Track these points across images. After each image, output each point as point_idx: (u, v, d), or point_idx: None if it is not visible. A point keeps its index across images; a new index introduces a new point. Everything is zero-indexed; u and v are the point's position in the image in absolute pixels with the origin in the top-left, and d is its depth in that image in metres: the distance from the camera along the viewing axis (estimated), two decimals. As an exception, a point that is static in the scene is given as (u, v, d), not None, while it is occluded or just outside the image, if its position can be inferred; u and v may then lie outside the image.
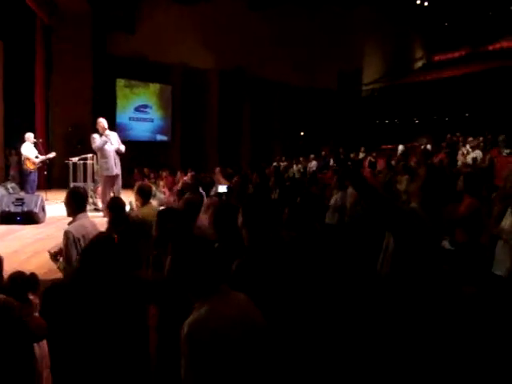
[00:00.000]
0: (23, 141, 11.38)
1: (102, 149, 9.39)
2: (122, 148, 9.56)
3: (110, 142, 9.38)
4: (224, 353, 2.08)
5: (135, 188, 5.89)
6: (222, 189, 6.82)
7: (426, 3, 28.03)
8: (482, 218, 4.99)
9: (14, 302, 2.99)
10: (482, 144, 12.83)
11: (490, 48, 28.50)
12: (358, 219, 4.72)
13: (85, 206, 4.62)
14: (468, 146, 14.06)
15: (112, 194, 9.20)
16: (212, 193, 7.34)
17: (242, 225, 2.96)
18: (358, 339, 3.15)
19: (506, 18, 27.18)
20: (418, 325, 2.87)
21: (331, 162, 18.17)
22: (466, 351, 3.09)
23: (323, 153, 20.21)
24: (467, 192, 5.45)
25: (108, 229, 4.86)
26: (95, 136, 9.43)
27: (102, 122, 9.48)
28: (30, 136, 11.44)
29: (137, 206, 5.78)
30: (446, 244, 4.57)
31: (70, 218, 4.43)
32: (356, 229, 4.78)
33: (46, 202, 9.98)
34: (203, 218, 4.53)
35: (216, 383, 2.07)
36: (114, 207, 5.22)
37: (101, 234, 3.23)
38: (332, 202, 6.99)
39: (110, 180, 9.54)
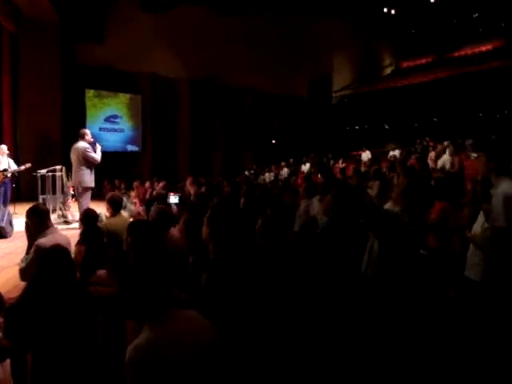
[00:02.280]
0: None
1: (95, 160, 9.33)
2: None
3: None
4: (172, 378, 1.97)
5: (106, 198, 5.84)
6: (174, 200, 6.67)
7: (392, 11, 28.43)
8: (453, 221, 5.05)
9: None
10: (450, 149, 12.96)
11: (456, 54, 29.07)
12: (326, 228, 4.69)
13: (49, 221, 4.52)
14: (436, 151, 14.23)
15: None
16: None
17: (207, 237, 2.88)
18: (342, 345, 3.13)
19: (469, 25, 27.81)
20: (407, 324, 2.89)
21: (305, 168, 18.25)
22: (449, 351, 3.10)
23: (291, 160, 20.25)
24: (438, 197, 5.52)
25: (79, 241, 4.78)
26: (89, 146, 9.36)
27: (89, 132, 9.47)
28: (2, 147, 11.18)
29: (106, 216, 5.70)
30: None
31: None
32: (324, 238, 4.76)
33: (13, 216, 9.76)
34: (174, 230, 4.47)
35: None
36: (87, 219, 5.13)
37: (55, 245, 3.12)
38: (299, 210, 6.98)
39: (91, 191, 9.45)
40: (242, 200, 6.71)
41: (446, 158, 12.23)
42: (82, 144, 9.34)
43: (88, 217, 5.18)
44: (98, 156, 9.37)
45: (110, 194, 6.17)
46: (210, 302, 2.53)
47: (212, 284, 2.68)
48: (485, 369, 2.95)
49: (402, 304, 3.04)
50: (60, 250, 2.98)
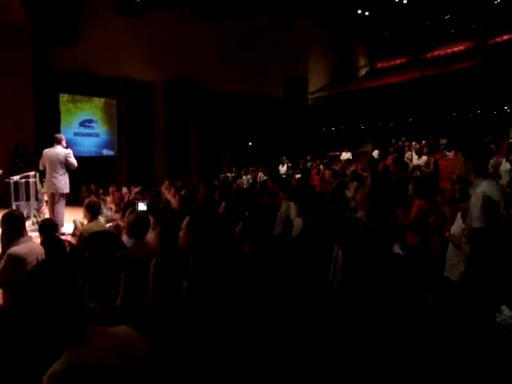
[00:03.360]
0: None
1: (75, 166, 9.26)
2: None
3: None
4: None
5: (84, 204, 5.76)
6: (142, 207, 6.52)
7: (366, 13, 28.65)
8: (431, 220, 5.08)
9: None
10: (425, 148, 13.09)
11: (429, 55, 29.41)
12: (302, 234, 4.66)
13: (24, 229, 4.40)
14: (413, 151, 14.33)
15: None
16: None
17: (186, 244, 2.80)
18: (315, 353, 3.08)
19: (441, 26, 28.16)
20: (375, 336, 2.84)
21: (282, 170, 18.27)
22: (422, 357, 3.07)
23: (265, 161, 20.29)
24: (416, 195, 5.56)
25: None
26: (70, 151, 9.29)
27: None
28: None
29: (81, 223, 5.60)
30: (396, 249, 4.59)
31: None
32: (302, 241, 4.74)
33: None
34: (150, 235, 4.40)
35: None
36: (46, 229, 4.97)
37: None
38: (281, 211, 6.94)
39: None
40: (223, 204, 6.64)
41: (423, 158, 12.32)
42: (61, 149, 9.18)
43: (46, 227, 5.00)
44: (75, 161, 9.26)
45: (87, 200, 6.07)
46: (192, 310, 2.46)
47: (194, 291, 2.61)
48: (466, 371, 2.94)
49: (370, 313, 2.99)
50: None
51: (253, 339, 2.72)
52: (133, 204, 6.51)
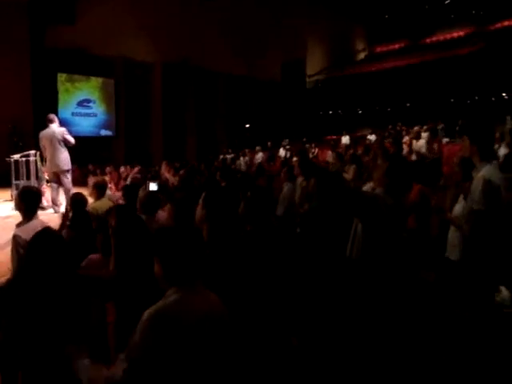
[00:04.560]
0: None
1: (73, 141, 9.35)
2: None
3: None
4: (183, 347, 1.99)
5: (91, 183, 5.81)
6: (153, 187, 6.57)
7: (367, -4, 28.57)
8: (432, 203, 5.15)
9: None
10: (427, 134, 13.19)
11: (428, 41, 29.34)
12: (313, 210, 4.73)
13: (37, 208, 4.39)
14: (411, 135, 14.40)
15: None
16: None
17: (203, 219, 2.89)
18: (331, 328, 3.17)
19: (441, 11, 28.05)
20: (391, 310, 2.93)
21: (282, 153, 18.29)
22: (430, 338, 3.16)
23: (269, 144, 20.29)
24: (415, 180, 5.62)
25: (62, 225, 4.68)
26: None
27: None
28: None
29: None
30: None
31: (12, 217, 4.22)
32: (312, 218, 4.80)
33: (-13, 201, 9.60)
34: (161, 213, 4.47)
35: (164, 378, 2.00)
36: (76, 204, 5.03)
37: (46, 228, 3.02)
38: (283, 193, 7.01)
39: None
40: (223, 184, 6.70)
41: (421, 143, 12.39)
42: (57, 128, 9.23)
43: (77, 201, 5.07)
44: (72, 138, 9.36)
45: (95, 179, 6.14)
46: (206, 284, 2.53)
47: (208, 266, 2.69)
48: (467, 352, 3.03)
49: (387, 286, 3.09)
50: (51, 233, 2.89)
51: (268, 310, 2.81)
52: (137, 184, 6.56)
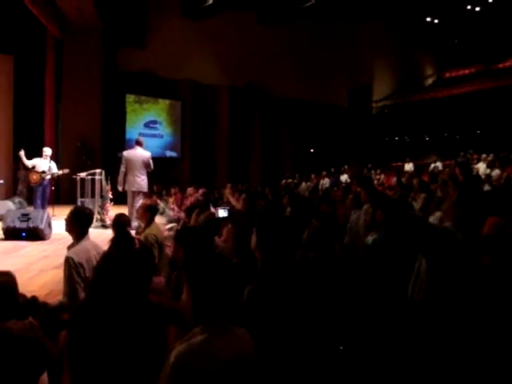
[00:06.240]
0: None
1: None
2: None
3: None
4: None
5: (142, 206, 5.82)
6: (223, 213, 6.38)
7: (436, 20, 28.00)
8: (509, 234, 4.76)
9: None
10: (496, 162, 12.61)
11: (501, 66, 28.39)
12: (381, 240, 4.47)
13: (88, 228, 4.36)
14: (482, 163, 13.84)
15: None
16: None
17: (256, 246, 2.69)
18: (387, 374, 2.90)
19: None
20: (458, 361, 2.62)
21: (343, 178, 18.01)
22: None
23: (332, 170, 20.04)
24: (490, 211, 5.23)
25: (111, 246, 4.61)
26: None
27: None
28: (45, 150, 11.19)
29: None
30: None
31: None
32: (376, 251, 4.53)
33: (52, 218, 9.80)
34: (218, 239, 4.34)
35: None
36: (119, 224, 5.01)
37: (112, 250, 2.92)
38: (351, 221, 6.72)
39: None
40: (288, 209, 6.53)
41: (494, 171, 11.84)
42: (143, 151, 9.96)
43: (119, 223, 5.05)
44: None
45: (148, 202, 6.12)
46: (252, 316, 2.33)
47: (257, 298, 2.48)
48: None
49: (451, 335, 2.77)
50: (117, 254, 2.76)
51: (320, 347, 2.58)
52: (198, 206, 6.48)
